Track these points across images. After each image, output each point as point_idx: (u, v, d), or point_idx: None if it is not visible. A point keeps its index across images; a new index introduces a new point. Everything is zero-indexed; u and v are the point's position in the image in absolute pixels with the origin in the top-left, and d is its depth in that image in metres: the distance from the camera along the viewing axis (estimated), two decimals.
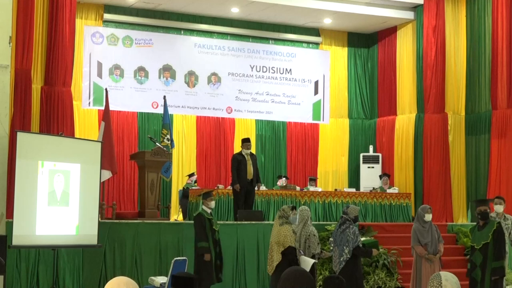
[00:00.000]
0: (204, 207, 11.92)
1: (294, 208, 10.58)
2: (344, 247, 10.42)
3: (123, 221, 14.24)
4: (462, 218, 19.70)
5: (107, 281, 4.29)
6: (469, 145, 20.40)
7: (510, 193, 18.44)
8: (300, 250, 10.48)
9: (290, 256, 9.68)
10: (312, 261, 10.31)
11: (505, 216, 12.46)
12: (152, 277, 11.71)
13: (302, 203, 17.03)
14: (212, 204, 12.05)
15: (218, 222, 14.93)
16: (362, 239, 11.52)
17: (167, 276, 11.18)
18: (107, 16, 19.92)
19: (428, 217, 11.93)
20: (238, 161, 15.59)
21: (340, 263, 10.42)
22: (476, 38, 20.29)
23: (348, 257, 10.40)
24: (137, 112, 20.10)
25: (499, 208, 12.48)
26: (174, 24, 20.73)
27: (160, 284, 11.21)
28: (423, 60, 20.61)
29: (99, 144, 12.97)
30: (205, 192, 12.35)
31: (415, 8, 21.10)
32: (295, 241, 10.55)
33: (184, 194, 18.18)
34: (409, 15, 21.27)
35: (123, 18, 20.11)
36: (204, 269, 11.43)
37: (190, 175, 19.07)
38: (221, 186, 18.14)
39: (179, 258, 11.40)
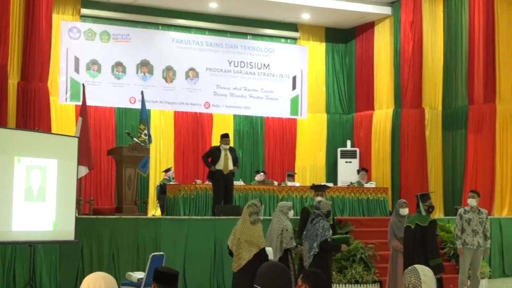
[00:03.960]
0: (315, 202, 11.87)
1: (260, 202, 10.50)
2: (314, 242, 10.46)
3: (100, 216, 14.19)
4: (438, 212, 19.78)
5: (84, 277, 4.29)
6: (446, 139, 20.52)
7: (487, 188, 18.61)
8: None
9: (263, 257, 9.64)
10: (270, 249, 10.37)
11: (479, 210, 12.56)
12: (130, 273, 11.67)
13: (280, 198, 17.06)
14: (318, 199, 11.91)
15: (196, 217, 14.98)
16: (337, 235, 11.52)
17: (144, 271, 11.16)
18: (84, 11, 19.82)
19: (404, 211, 12.01)
20: (213, 154, 15.69)
21: (310, 258, 10.44)
22: (453, 33, 20.39)
23: (317, 251, 10.41)
24: (115, 108, 20.04)
25: (472, 201, 12.56)
26: (152, 19, 20.67)
27: (138, 280, 11.18)
28: (401, 55, 20.72)
29: (76, 139, 12.90)
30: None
31: (393, 3, 21.19)
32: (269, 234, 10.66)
33: (162, 189, 18.16)
34: (387, 10, 21.36)
35: (100, 13, 20.03)
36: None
37: (167, 171, 19.03)
38: (199, 181, 18.13)
39: (156, 253, 11.38)
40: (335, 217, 12.50)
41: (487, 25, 19.34)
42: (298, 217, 12.88)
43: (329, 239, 10.48)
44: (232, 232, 9.80)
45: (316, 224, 10.57)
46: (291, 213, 11.07)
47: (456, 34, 20.29)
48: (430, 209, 10.90)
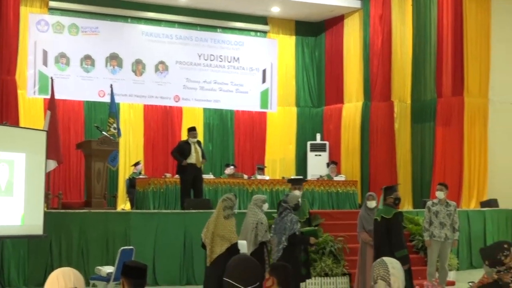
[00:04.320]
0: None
1: (235, 196, 10.50)
2: (282, 235, 10.46)
3: (69, 211, 14.10)
4: (407, 205, 19.93)
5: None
6: (415, 132, 20.66)
7: (455, 180, 18.78)
8: None
9: (235, 251, 9.64)
10: (244, 242, 10.39)
11: (447, 203, 12.65)
12: (99, 267, 11.64)
13: (250, 191, 17.09)
14: (297, 193, 11.85)
15: (165, 211, 14.95)
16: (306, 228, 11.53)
17: (114, 265, 11.12)
18: (52, 3, 19.67)
19: (371, 204, 12.07)
20: (182, 148, 15.64)
21: (278, 251, 10.45)
22: (421, 27, 20.51)
23: (285, 245, 10.42)
24: (84, 101, 19.91)
25: (440, 194, 12.66)
26: (121, 12, 20.56)
27: (107, 274, 11.15)
28: (370, 48, 20.81)
29: (45, 133, 12.81)
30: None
31: None
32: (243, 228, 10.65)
33: (131, 183, 18.10)
34: (356, 4, 21.44)
35: (69, 6, 19.88)
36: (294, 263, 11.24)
37: (136, 164, 18.96)
38: (168, 175, 18.09)
39: (126, 247, 11.35)
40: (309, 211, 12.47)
41: (455, 19, 19.49)
42: (275, 210, 12.83)
43: (297, 232, 10.49)
44: (206, 225, 9.80)
45: (285, 217, 10.56)
46: (265, 206, 11.06)
47: (424, 28, 20.41)
48: (397, 201, 10.93)
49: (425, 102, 20.33)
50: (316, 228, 11.26)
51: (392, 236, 10.53)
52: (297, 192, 11.67)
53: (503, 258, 4.90)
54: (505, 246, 4.97)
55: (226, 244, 9.60)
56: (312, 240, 10.87)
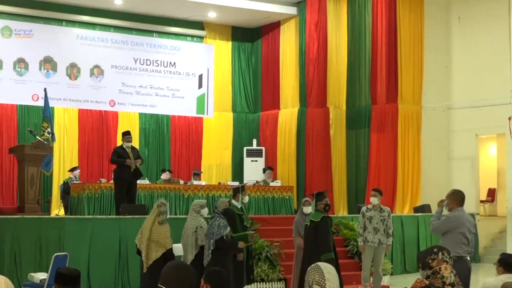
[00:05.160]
0: (234, 201, 11.73)
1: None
2: (211, 239, 10.52)
3: (1, 216, 13.80)
4: (342, 210, 20.14)
5: None
6: (350, 138, 20.87)
7: (389, 185, 19.06)
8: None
9: (170, 257, 9.64)
10: (178, 246, 10.40)
11: (381, 208, 12.78)
12: (32, 274, 11.47)
13: (186, 197, 17.05)
14: (246, 199, 11.77)
15: (100, 216, 14.81)
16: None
17: (47, 272, 10.96)
18: None
19: (307, 209, 12.15)
20: (118, 153, 15.44)
21: (208, 256, 10.50)
22: (356, 34, 20.76)
23: (212, 249, 10.47)
24: (17, 105, 19.58)
25: (374, 200, 12.81)
26: (55, 15, 20.29)
27: (40, 280, 10.99)
28: (306, 55, 20.97)
29: None
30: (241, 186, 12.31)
31: (298, 3, 21.43)
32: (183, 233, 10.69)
33: (65, 188, 17.89)
34: (292, 10, 21.58)
35: (2, 8, 19.54)
36: (237, 268, 11.21)
37: (72, 170, 18.74)
38: (103, 180, 17.92)
39: (59, 253, 11.20)
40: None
41: (389, 27, 19.81)
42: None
43: (225, 237, 10.52)
44: (140, 230, 9.76)
45: (213, 222, 10.65)
46: (204, 211, 11.04)
47: (359, 35, 20.68)
48: (327, 207, 11.03)
49: (360, 108, 20.58)
50: (247, 232, 11.24)
51: (318, 239, 10.60)
52: (246, 198, 11.76)
53: (430, 262, 4.99)
54: (435, 250, 5.05)
55: (162, 250, 9.61)
56: (241, 244, 10.89)
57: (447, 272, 4.95)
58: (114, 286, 13.59)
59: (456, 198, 9.40)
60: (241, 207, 11.74)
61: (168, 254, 9.67)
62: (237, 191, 12.06)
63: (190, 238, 10.77)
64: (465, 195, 9.50)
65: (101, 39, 21.04)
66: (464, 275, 8.86)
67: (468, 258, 9.32)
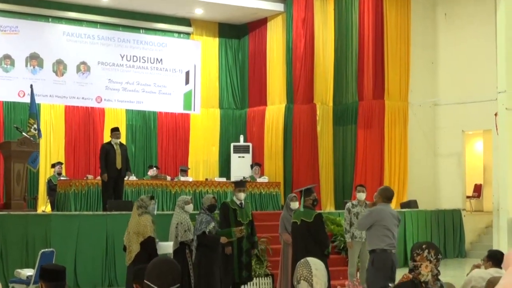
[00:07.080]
0: (234, 197, 11.71)
1: (152, 198, 10.48)
2: (195, 236, 10.59)
3: None
4: (329, 206, 20.18)
5: None
6: (337, 135, 20.93)
7: (375, 181, 19.10)
8: (156, 239, 10.34)
9: (149, 246, 9.67)
10: (168, 244, 10.41)
11: (366, 204, 12.82)
12: (19, 270, 11.45)
13: (173, 193, 17.05)
14: (241, 195, 11.73)
15: (87, 212, 14.78)
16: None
17: (34, 268, 10.95)
18: None
19: (294, 205, 12.17)
20: (107, 151, 15.37)
21: (193, 252, 10.59)
22: (343, 31, 20.82)
23: (195, 245, 10.53)
24: (3, 101, 19.51)
25: (361, 196, 12.87)
26: (42, 12, 20.22)
27: (27, 277, 10.98)
28: (293, 51, 20.99)
29: None
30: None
31: (285, 0, 21.42)
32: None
33: (51, 185, 17.86)
34: (279, 7, 21.58)
35: None
36: (226, 265, 11.19)
37: (54, 165, 18.64)
38: (90, 177, 17.89)
39: (46, 250, 11.19)
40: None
41: (376, 24, 19.88)
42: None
43: (207, 232, 10.56)
44: (127, 228, 9.86)
45: (197, 218, 10.73)
46: (189, 207, 11.00)
47: (346, 32, 20.73)
48: (315, 202, 11.09)
49: (347, 105, 20.64)
50: (233, 228, 11.22)
51: (318, 237, 10.66)
52: (242, 195, 11.72)
53: (415, 256, 5.03)
54: (424, 246, 5.08)
55: (140, 239, 9.66)
56: (223, 239, 10.91)
57: (426, 270, 4.99)
58: (101, 282, 13.58)
59: (383, 194, 9.71)
60: (241, 204, 11.70)
61: (147, 242, 9.67)
62: (243, 185, 12.10)
63: (172, 234, 10.80)
64: (393, 194, 9.90)
65: (88, 36, 20.98)
66: (387, 267, 9.33)
67: (393, 251, 9.53)
